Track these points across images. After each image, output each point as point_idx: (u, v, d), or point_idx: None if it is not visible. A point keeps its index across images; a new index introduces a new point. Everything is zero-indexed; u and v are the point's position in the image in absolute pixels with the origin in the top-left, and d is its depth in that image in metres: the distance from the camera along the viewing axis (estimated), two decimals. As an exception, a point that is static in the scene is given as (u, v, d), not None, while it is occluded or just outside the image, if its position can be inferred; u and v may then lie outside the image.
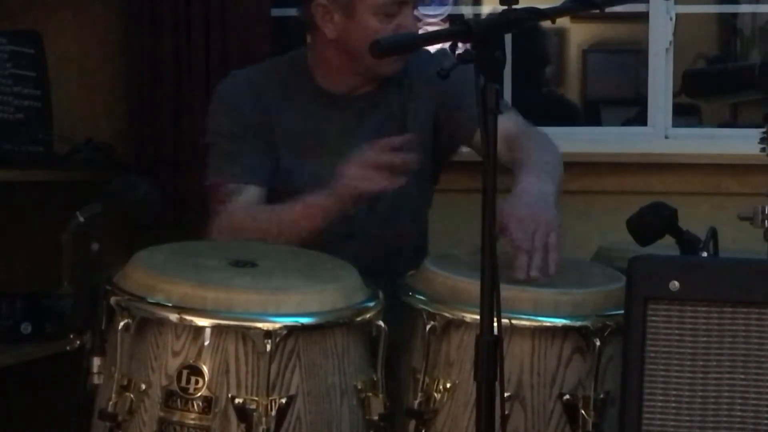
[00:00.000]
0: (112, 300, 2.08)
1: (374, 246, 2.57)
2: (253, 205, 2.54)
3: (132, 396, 2.06)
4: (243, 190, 2.55)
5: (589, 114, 5.76)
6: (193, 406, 2.03)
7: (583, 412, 2.15)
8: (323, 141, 2.62)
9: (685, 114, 4.13)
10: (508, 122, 2.52)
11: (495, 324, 1.84)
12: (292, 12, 3.65)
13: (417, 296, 2.24)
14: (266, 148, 2.60)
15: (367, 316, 2.15)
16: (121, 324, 2.05)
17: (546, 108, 4.21)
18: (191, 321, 2.04)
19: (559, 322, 2.17)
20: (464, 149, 2.70)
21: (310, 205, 2.42)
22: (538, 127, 2.63)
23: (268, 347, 2.00)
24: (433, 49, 2.60)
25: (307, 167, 2.60)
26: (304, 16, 2.62)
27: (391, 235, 2.64)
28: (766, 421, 1.95)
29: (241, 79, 2.69)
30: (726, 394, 1.97)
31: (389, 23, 2.52)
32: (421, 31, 2.56)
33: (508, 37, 3.34)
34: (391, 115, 2.65)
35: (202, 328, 2.05)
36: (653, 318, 1.99)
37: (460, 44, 1.92)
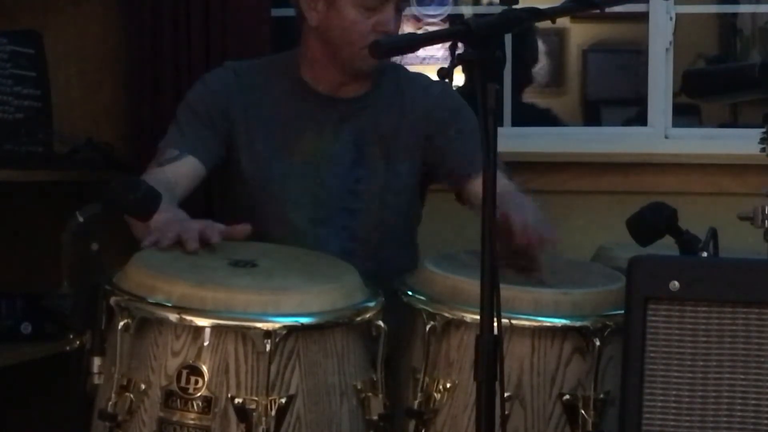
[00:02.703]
0: (112, 300, 2.09)
1: (371, 268, 2.54)
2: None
3: (132, 396, 2.06)
4: (181, 158, 2.57)
5: (589, 114, 5.76)
6: (192, 406, 2.03)
7: (583, 412, 2.16)
8: (299, 139, 2.63)
9: (685, 114, 4.12)
10: (500, 182, 2.53)
11: (495, 324, 1.84)
12: (292, 12, 3.66)
13: (417, 296, 2.24)
14: (225, 140, 2.62)
15: (367, 316, 2.15)
16: (121, 324, 2.05)
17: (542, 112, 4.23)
18: (191, 321, 2.04)
19: (559, 322, 2.17)
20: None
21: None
22: (522, 193, 2.62)
23: (268, 347, 2.00)
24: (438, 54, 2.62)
25: (279, 165, 2.62)
26: (294, 4, 2.65)
27: (377, 256, 2.63)
28: (766, 421, 1.95)
29: (230, 69, 2.72)
30: (726, 394, 1.97)
31: (369, 18, 2.53)
32: (420, 31, 2.57)
33: (508, 37, 3.35)
34: (373, 127, 2.65)
35: (201, 328, 2.05)
36: (653, 318, 1.99)
37: (460, 44, 1.92)
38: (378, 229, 2.65)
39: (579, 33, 5.98)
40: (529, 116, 3.87)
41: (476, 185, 2.52)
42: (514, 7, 1.95)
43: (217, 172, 2.66)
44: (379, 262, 2.55)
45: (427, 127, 2.66)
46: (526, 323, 2.16)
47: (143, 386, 2.06)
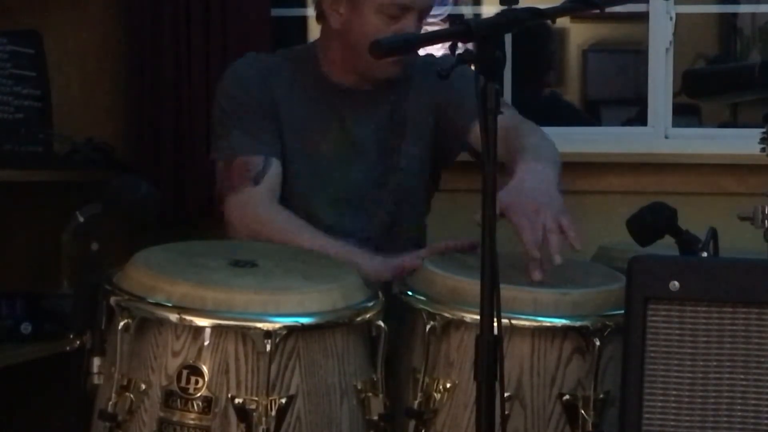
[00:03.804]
0: (112, 300, 2.08)
1: (380, 246, 2.55)
2: (294, 218, 2.52)
3: (132, 396, 2.06)
4: (269, 167, 2.55)
5: (589, 114, 5.76)
6: (193, 406, 2.03)
7: (583, 412, 2.15)
8: (323, 130, 2.63)
9: (685, 114, 4.12)
10: (511, 114, 2.53)
11: (495, 324, 1.84)
12: (292, 12, 3.67)
13: (417, 296, 2.24)
14: (276, 128, 2.61)
15: (367, 316, 2.15)
16: (121, 324, 2.05)
17: (546, 111, 4.22)
18: (191, 321, 2.04)
19: (559, 322, 2.17)
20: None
21: (354, 257, 2.41)
22: (532, 122, 2.62)
23: (268, 347, 2.00)
24: (438, 54, 2.63)
25: (303, 155, 2.62)
26: (316, 4, 2.64)
27: (391, 238, 2.64)
28: (766, 421, 1.95)
29: (253, 60, 2.70)
30: (726, 394, 1.97)
31: (390, 25, 2.53)
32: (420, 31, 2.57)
33: (508, 37, 3.35)
34: (391, 114, 2.65)
35: (202, 328, 2.05)
36: (653, 318, 1.99)
37: (460, 44, 1.92)
38: (393, 211, 2.65)
39: (579, 33, 5.98)
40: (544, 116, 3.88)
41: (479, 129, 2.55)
42: (514, 7, 1.95)
43: None
44: (390, 245, 2.56)
45: (433, 97, 2.64)
46: (526, 323, 2.15)
47: (143, 386, 2.06)
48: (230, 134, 2.60)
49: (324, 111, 2.64)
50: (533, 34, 3.97)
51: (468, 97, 2.55)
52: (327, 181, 2.62)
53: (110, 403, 2.06)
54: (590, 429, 2.15)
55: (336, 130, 2.63)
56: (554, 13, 2.04)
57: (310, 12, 3.59)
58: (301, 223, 2.53)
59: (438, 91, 2.63)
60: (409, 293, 2.25)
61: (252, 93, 2.62)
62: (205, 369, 2.04)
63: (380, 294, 2.23)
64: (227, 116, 2.62)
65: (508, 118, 2.50)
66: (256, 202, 2.53)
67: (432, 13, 2.63)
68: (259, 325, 2.02)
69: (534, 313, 2.17)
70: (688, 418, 1.97)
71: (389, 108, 2.66)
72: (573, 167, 3.33)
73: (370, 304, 2.17)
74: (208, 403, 2.03)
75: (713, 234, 2.26)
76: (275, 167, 2.56)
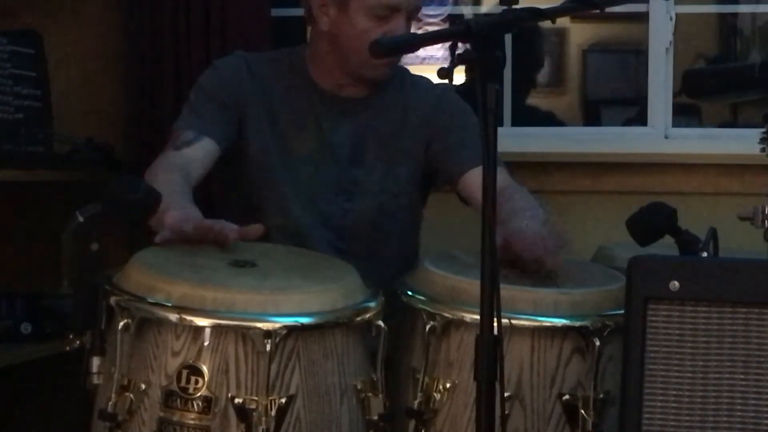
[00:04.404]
0: (112, 300, 2.08)
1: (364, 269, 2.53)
2: (166, 174, 2.47)
3: (132, 396, 2.06)
4: (197, 141, 2.56)
5: (589, 114, 5.76)
6: (192, 406, 2.03)
7: (582, 412, 2.16)
8: (300, 133, 2.65)
9: (685, 114, 4.12)
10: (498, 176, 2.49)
11: (495, 324, 1.84)
12: (292, 12, 3.66)
13: (417, 296, 2.24)
14: (237, 125, 2.63)
15: (367, 316, 2.15)
16: (121, 324, 2.05)
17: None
18: (191, 321, 2.04)
19: (559, 322, 2.17)
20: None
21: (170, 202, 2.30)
22: (523, 187, 2.60)
23: (268, 347, 2.00)
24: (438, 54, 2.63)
25: (280, 156, 2.64)
26: (305, 6, 2.65)
27: (379, 258, 2.63)
28: (766, 421, 1.95)
29: (241, 58, 2.73)
30: (726, 394, 1.97)
31: (380, 26, 2.53)
32: (420, 32, 2.57)
33: (508, 37, 3.35)
34: (372, 127, 2.66)
35: (202, 328, 2.05)
36: (653, 318, 1.99)
37: (460, 44, 1.92)
38: (372, 230, 2.65)
39: (579, 33, 5.97)
40: (530, 118, 3.88)
41: (470, 178, 2.53)
42: (514, 7, 1.95)
43: (228, 157, 2.66)
44: (371, 263, 2.55)
45: (427, 132, 2.66)
46: (526, 323, 2.16)
47: (143, 386, 2.06)
48: (183, 114, 2.65)
49: (302, 111, 2.65)
50: (524, 35, 3.97)
51: (463, 146, 2.57)
52: (297, 179, 2.63)
53: (110, 403, 2.06)
54: (590, 429, 2.15)
55: (312, 131, 2.65)
56: (554, 13, 2.04)
57: (311, 12, 3.58)
58: (168, 177, 2.44)
59: (432, 126, 2.65)
60: (409, 293, 2.26)
61: (217, 85, 2.66)
62: (205, 369, 2.04)
63: (380, 294, 2.23)
64: (189, 101, 2.67)
65: (501, 178, 2.48)
66: (161, 161, 2.52)
67: (432, 13, 2.63)
68: (259, 325, 2.02)
69: (534, 313, 2.17)
70: (688, 418, 1.97)
71: (370, 122, 2.65)
72: (573, 167, 3.35)
73: (370, 304, 2.17)
74: (208, 403, 2.03)
75: (713, 234, 2.26)
76: (206, 143, 2.56)
